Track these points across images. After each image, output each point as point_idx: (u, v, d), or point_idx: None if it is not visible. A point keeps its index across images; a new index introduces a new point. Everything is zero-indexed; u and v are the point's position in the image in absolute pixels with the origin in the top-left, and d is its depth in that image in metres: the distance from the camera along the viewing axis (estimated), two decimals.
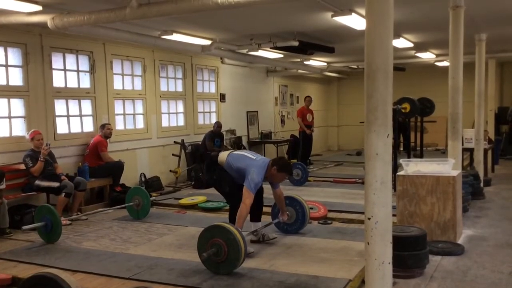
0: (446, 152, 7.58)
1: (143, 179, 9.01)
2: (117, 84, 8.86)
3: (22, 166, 6.83)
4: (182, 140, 10.10)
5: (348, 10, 6.54)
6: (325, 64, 13.43)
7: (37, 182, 6.72)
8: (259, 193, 5.42)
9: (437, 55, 12.08)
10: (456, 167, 6.13)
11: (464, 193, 6.45)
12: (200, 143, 10.32)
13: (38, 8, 5.80)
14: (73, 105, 8.04)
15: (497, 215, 6.91)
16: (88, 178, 7.53)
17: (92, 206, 7.57)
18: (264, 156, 6.04)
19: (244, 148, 12.14)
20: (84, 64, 8.18)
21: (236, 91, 12.39)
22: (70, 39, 7.68)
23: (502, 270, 4.60)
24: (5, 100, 6.99)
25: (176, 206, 7.85)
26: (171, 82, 10.28)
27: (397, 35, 8.89)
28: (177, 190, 9.24)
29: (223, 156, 5.41)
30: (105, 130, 8.02)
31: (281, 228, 5.93)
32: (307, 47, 9.08)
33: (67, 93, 7.90)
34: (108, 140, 8.12)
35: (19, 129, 7.16)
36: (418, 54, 11.55)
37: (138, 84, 9.36)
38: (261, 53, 9.92)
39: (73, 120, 8.06)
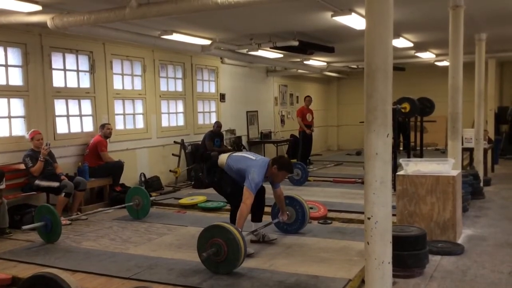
0: (446, 151, 7.59)
1: (143, 179, 9.01)
2: (117, 84, 8.86)
3: (22, 166, 6.83)
4: (182, 140, 10.11)
5: (348, 10, 6.54)
6: (325, 64, 13.43)
7: (37, 182, 6.72)
8: (260, 194, 5.43)
9: (437, 55, 12.09)
10: (456, 167, 6.13)
11: (464, 193, 6.45)
12: (200, 143, 10.32)
13: (38, 8, 5.80)
14: (73, 105, 8.04)
15: (497, 214, 6.91)
16: (88, 178, 7.53)
17: (92, 206, 7.57)
18: (264, 156, 6.04)
19: (244, 148, 12.16)
20: (84, 64, 8.18)
21: (236, 91, 12.39)
22: (70, 39, 7.68)
23: (501, 269, 4.60)
24: (5, 100, 6.98)
25: (176, 206, 7.85)
26: (171, 82, 10.28)
27: (397, 35, 8.89)
28: (177, 190, 9.24)
29: (223, 158, 5.41)
30: (105, 130, 8.02)
31: (281, 228, 5.93)
32: (307, 47, 9.08)
33: (67, 93, 7.90)
34: (108, 140, 8.12)
35: (19, 129, 7.16)
36: (418, 54, 11.56)
37: (138, 84, 9.36)
38: (261, 53, 9.91)
39: (73, 120, 8.06)
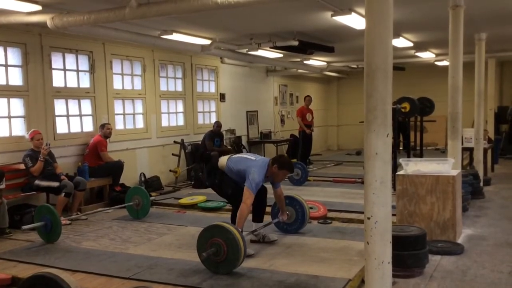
0: (446, 151, 7.58)
1: (142, 178, 9.01)
2: (117, 84, 8.86)
3: (22, 166, 6.83)
4: (182, 140, 10.11)
5: (348, 10, 6.54)
6: (325, 63, 13.43)
7: (37, 182, 6.72)
8: (261, 194, 5.44)
9: (437, 55, 12.09)
10: (456, 167, 6.13)
11: (464, 193, 6.45)
12: (200, 142, 10.32)
13: (38, 8, 5.79)
14: (72, 105, 8.04)
15: (497, 214, 6.91)
16: (88, 178, 7.53)
17: (91, 206, 7.57)
18: (264, 156, 6.05)
19: (244, 148, 12.16)
20: (84, 64, 8.18)
21: (236, 91, 12.38)
22: (70, 39, 7.68)
23: (501, 269, 4.60)
24: (5, 100, 6.98)
25: (175, 206, 7.85)
26: (171, 82, 10.28)
27: (396, 35, 8.89)
28: (176, 189, 9.24)
29: (223, 161, 5.42)
30: (105, 130, 8.02)
31: (281, 228, 5.93)
32: (307, 47, 9.08)
33: (67, 93, 7.90)
34: (107, 140, 8.12)
35: (19, 129, 7.16)
36: (418, 54, 11.56)
37: (137, 84, 9.36)
38: (260, 52, 9.91)
39: (73, 120, 8.06)
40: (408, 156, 9.23)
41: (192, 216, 7.12)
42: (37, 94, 7.31)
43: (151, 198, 7.26)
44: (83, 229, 6.43)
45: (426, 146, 12.07)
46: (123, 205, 7.06)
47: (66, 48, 7.80)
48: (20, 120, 7.17)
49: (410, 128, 10.79)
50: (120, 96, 8.94)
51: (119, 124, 8.92)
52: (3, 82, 6.93)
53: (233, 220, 5.25)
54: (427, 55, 11.87)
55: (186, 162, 10.11)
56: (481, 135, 9.57)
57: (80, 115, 8.18)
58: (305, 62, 12.55)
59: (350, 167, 12.11)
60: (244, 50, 9.49)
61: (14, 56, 7.08)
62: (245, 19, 7.46)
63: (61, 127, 7.83)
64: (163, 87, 9.99)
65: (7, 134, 7.01)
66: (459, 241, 5.49)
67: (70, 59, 7.95)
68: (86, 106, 8.26)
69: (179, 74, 10.47)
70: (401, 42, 9.44)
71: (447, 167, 5.61)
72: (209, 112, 11.54)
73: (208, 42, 8.66)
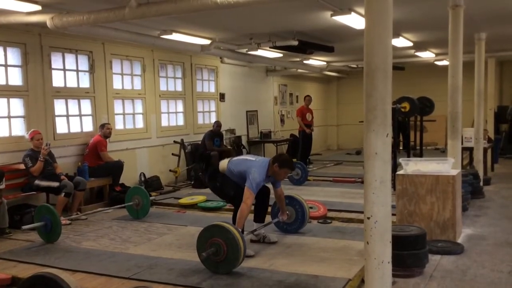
0: (446, 151, 7.58)
1: (142, 178, 9.01)
2: (117, 83, 8.86)
3: (22, 166, 6.82)
4: (182, 140, 10.11)
5: (347, 9, 6.54)
6: (325, 63, 13.43)
7: (37, 182, 6.72)
8: (264, 195, 5.45)
9: (437, 54, 12.08)
10: (456, 166, 6.13)
11: (464, 192, 6.45)
12: (200, 142, 10.32)
13: (38, 8, 5.79)
14: (72, 104, 8.03)
15: (497, 214, 6.91)
16: (88, 178, 7.53)
17: (91, 206, 7.57)
18: (264, 155, 6.05)
19: (244, 148, 12.16)
20: (84, 63, 8.18)
21: (235, 91, 12.38)
22: (70, 39, 7.68)
23: (501, 269, 4.60)
24: (5, 100, 6.98)
25: (175, 206, 7.85)
26: (171, 82, 10.28)
27: (396, 34, 8.89)
28: (176, 189, 9.24)
29: (223, 164, 5.42)
30: (105, 130, 8.02)
31: (281, 228, 5.93)
32: (307, 47, 9.08)
33: (67, 93, 7.90)
34: (107, 140, 8.12)
35: (19, 129, 7.16)
36: (418, 53, 11.55)
37: (137, 84, 9.36)
38: (260, 52, 9.91)
39: (73, 120, 8.06)
40: (408, 156, 9.22)
41: (192, 216, 7.12)
42: (37, 94, 7.31)
43: (151, 198, 7.26)
44: (83, 229, 6.43)
45: (426, 145, 12.07)
46: (123, 205, 7.06)
47: (65, 48, 7.80)
48: (20, 120, 7.17)
49: (410, 127, 10.79)
50: (120, 96, 8.94)
51: (119, 124, 8.92)
52: (3, 82, 6.93)
53: (234, 221, 5.24)
54: (426, 55, 11.87)
55: (186, 162, 10.11)
56: (481, 135, 9.57)
57: (80, 115, 8.18)
58: (304, 62, 12.55)
59: (350, 166, 12.11)
60: (244, 50, 9.48)
61: (14, 56, 7.08)
62: (245, 19, 7.46)
63: (61, 127, 7.83)
64: (163, 87, 9.99)
65: (7, 134, 7.01)
66: (459, 240, 5.49)
67: (70, 59, 7.95)
68: (86, 106, 8.26)
69: (179, 74, 10.47)
70: (400, 42, 9.44)
71: (447, 166, 5.61)
72: (209, 112, 11.54)
73: (207, 42, 8.65)
